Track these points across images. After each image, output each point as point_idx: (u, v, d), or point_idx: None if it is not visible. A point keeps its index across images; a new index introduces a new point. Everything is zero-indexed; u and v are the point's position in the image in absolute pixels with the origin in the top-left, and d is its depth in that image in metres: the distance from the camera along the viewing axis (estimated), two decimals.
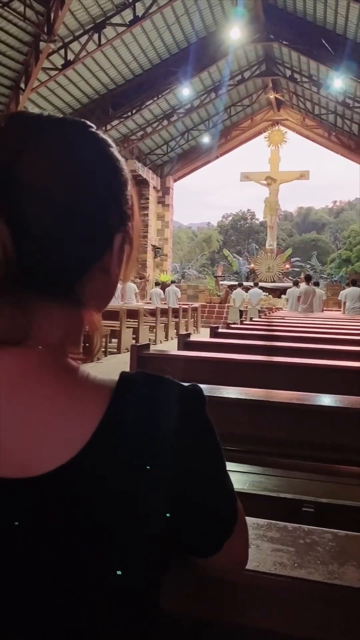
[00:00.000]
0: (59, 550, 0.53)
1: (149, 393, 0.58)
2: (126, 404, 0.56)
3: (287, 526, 0.94)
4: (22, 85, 13.17)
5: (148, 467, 0.55)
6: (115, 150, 0.63)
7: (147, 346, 3.32)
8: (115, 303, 12.93)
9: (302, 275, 17.17)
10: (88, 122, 0.63)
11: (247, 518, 0.76)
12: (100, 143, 0.62)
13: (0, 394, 0.55)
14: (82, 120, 0.62)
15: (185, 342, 3.85)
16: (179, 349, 3.80)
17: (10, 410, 0.55)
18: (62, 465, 0.52)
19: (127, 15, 13.53)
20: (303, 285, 14.13)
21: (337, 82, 15.87)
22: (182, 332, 6.83)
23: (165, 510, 0.57)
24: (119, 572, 0.55)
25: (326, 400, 2.40)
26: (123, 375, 0.59)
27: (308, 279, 14.55)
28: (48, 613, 0.55)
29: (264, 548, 0.86)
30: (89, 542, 0.53)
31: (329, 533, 0.93)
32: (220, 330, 5.16)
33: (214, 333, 4.91)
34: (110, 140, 0.64)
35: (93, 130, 0.62)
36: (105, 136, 0.63)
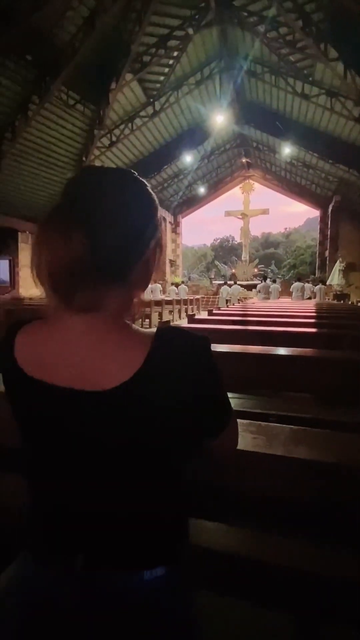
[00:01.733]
0: (121, 432, 0.54)
1: (176, 338, 0.57)
2: (162, 344, 0.56)
3: (260, 424, 0.96)
4: (84, 159, 13.02)
5: (177, 382, 0.54)
6: (149, 187, 0.62)
7: (168, 322, 3.32)
8: (147, 297, 12.89)
9: (265, 276, 17.04)
10: (132, 171, 0.62)
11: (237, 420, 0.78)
12: (141, 183, 0.61)
13: (85, 338, 0.56)
14: (129, 169, 0.62)
15: (192, 319, 3.86)
16: (188, 323, 3.81)
17: (90, 348, 0.55)
18: (124, 381, 0.53)
19: (149, 110, 13.22)
20: (262, 283, 14.08)
21: (286, 150, 15.48)
22: (190, 313, 6.79)
23: (190, 407, 0.56)
24: (159, 450, 0.55)
25: (281, 351, 2.41)
26: (159, 327, 0.59)
27: (264, 278, 14.39)
28: (114, 472, 0.55)
29: (247, 437, 0.88)
30: (140, 427, 0.54)
31: (287, 428, 0.94)
32: (214, 311, 5.15)
33: (210, 313, 4.90)
34: (145, 182, 0.63)
35: (136, 175, 0.61)
36: (143, 180, 0.62)
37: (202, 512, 0.93)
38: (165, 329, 0.59)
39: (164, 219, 20.10)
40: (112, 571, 0.56)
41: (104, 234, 0.54)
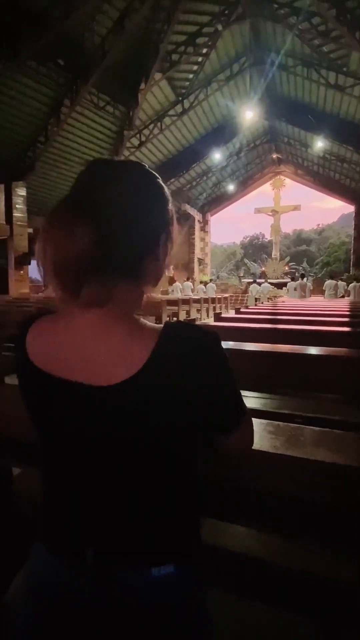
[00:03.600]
0: (127, 427, 0.53)
1: (183, 333, 0.56)
2: (169, 339, 0.54)
3: (279, 424, 0.92)
4: (114, 159, 13.17)
5: (183, 377, 0.53)
6: (160, 180, 0.61)
7: (193, 320, 3.31)
8: (177, 295, 12.93)
9: (297, 274, 16.63)
10: (142, 163, 0.60)
11: (255, 420, 0.75)
12: (150, 176, 0.60)
13: (92, 332, 0.55)
14: (138, 161, 0.61)
15: (218, 317, 3.83)
16: (214, 321, 3.78)
17: (97, 342, 0.55)
18: (132, 375, 0.52)
19: (178, 108, 13.24)
20: (299, 280, 13.68)
21: (318, 144, 15.04)
22: (217, 311, 6.75)
23: (198, 403, 0.55)
24: (167, 446, 0.54)
25: (311, 350, 2.34)
26: (167, 322, 0.57)
27: (302, 276, 14.03)
28: (124, 472, 0.55)
29: (265, 437, 0.86)
30: (146, 423, 0.53)
31: (307, 429, 0.91)
32: (242, 309, 5.09)
33: (237, 311, 4.84)
34: (156, 174, 0.61)
35: (146, 167, 0.60)
36: (153, 172, 0.61)
37: (225, 514, 0.91)
38: (173, 323, 0.57)
39: (194, 217, 20.25)
40: (121, 566, 0.56)
41: (111, 227, 0.53)
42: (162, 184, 0.61)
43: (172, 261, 0.64)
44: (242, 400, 0.61)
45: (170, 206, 0.62)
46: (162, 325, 0.56)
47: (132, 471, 0.55)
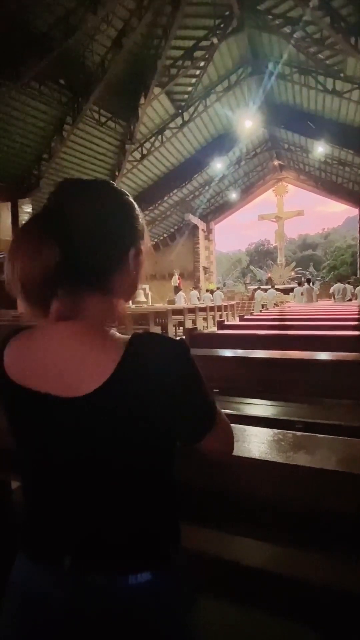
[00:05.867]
0: (96, 437, 0.54)
1: (150, 343, 0.56)
2: (135, 349, 0.55)
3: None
4: (117, 173, 13.41)
5: (150, 387, 0.53)
6: (129, 197, 0.62)
7: (195, 328, 3.32)
8: (181, 303, 12.94)
9: (304, 279, 16.52)
10: (111, 181, 0.62)
11: (262, 429, 0.74)
12: (119, 193, 0.61)
13: (62, 345, 0.56)
14: (107, 180, 0.63)
15: (221, 325, 3.83)
16: (217, 329, 3.79)
17: (67, 354, 0.56)
18: (99, 386, 0.53)
19: (178, 121, 13.39)
20: (305, 285, 13.59)
21: (319, 149, 15.08)
22: (219, 319, 6.72)
23: (166, 411, 0.55)
24: (139, 455, 0.55)
25: (321, 355, 2.32)
26: (134, 333, 0.57)
27: (309, 281, 13.96)
28: (93, 486, 0.56)
29: (270, 446, 0.83)
30: (114, 433, 0.54)
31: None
32: (245, 317, 5.07)
33: (241, 318, 4.83)
34: (125, 191, 0.62)
35: (113, 185, 0.61)
36: (121, 189, 0.62)
37: (227, 525, 0.90)
38: (140, 334, 0.58)
39: (197, 227, 20.32)
40: (97, 574, 0.56)
41: (78, 243, 0.55)
42: (131, 201, 0.63)
43: (144, 275, 0.64)
44: (215, 406, 0.62)
45: (141, 222, 0.64)
46: (129, 336, 0.57)
47: (105, 481, 0.56)
